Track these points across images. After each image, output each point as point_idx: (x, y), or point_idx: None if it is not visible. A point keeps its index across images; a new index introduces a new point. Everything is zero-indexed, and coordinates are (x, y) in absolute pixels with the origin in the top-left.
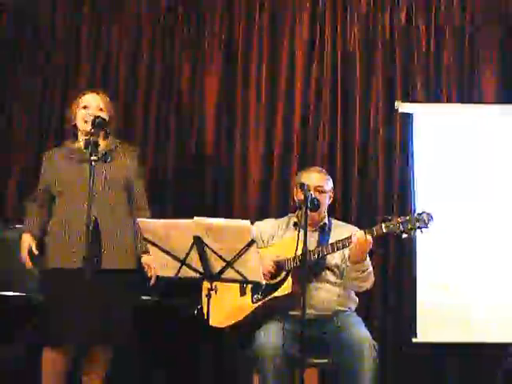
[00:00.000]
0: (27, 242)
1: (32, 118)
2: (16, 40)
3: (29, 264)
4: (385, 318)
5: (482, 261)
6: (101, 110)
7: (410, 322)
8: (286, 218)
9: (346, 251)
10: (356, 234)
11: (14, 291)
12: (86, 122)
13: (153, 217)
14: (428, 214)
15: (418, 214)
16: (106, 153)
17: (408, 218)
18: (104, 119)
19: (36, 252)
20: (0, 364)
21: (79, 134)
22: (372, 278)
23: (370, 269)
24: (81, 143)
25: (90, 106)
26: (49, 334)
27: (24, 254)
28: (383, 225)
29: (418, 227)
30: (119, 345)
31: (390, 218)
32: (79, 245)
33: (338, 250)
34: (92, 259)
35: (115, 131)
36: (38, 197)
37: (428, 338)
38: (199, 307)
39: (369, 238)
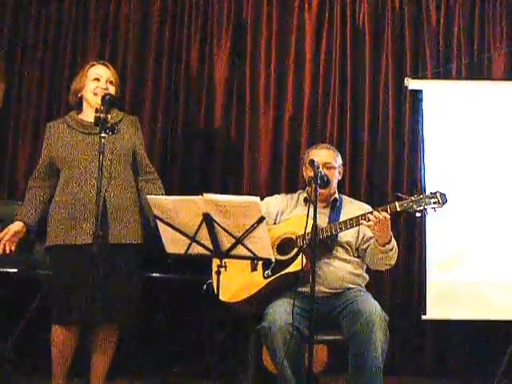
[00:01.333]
0: (9, 228)
1: (41, 96)
2: (26, 18)
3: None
4: (395, 296)
5: (492, 238)
6: (111, 82)
7: (419, 300)
8: (295, 194)
9: (361, 230)
10: (373, 213)
11: (18, 267)
12: (95, 94)
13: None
14: (442, 193)
15: (432, 193)
16: (113, 125)
17: (422, 196)
18: (114, 96)
19: (8, 244)
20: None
21: (85, 105)
22: (397, 253)
23: (396, 245)
24: (88, 115)
25: (101, 78)
26: (56, 311)
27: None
28: (397, 203)
29: (432, 206)
30: (127, 322)
31: (403, 196)
32: (87, 220)
33: (350, 227)
34: (100, 235)
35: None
36: (41, 171)
37: (437, 316)
38: (208, 282)
39: (385, 214)
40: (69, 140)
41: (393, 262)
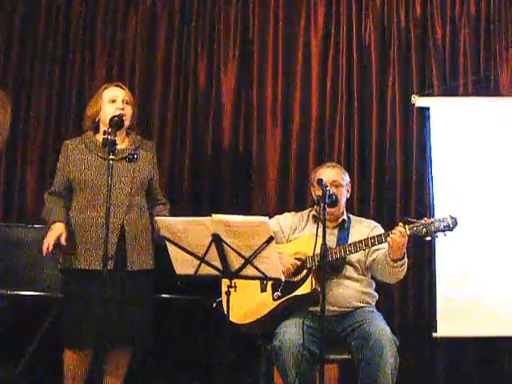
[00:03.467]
0: (60, 229)
1: (49, 116)
2: (33, 29)
3: (48, 252)
4: (405, 313)
5: (502, 254)
6: (127, 102)
7: (430, 317)
8: (305, 212)
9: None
10: (394, 232)
11: (29, 290)
12: None
13: (170, 214)
14: (452, 217)
15: (442, 216)
16: (131, 153)
17: (432, 220)
18: (121, 119)
19: (64, 243)
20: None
21: (103, 128)
22: (406, 268)
23: (406, 260)
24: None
25: (117, 99)
26: (69, 335)
27: (50, 240)
28: (407, 227)
29: (442, 230)
30: (141, 347)
31: (412, 220)
32: (102, 246)
33: (360, 250)
34: (112, 260)
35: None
36: (57, 190)
37: (448, 333)
38: (218, 300)
39: (402, 229)
40: (87, 163)
41: (401, 276)
